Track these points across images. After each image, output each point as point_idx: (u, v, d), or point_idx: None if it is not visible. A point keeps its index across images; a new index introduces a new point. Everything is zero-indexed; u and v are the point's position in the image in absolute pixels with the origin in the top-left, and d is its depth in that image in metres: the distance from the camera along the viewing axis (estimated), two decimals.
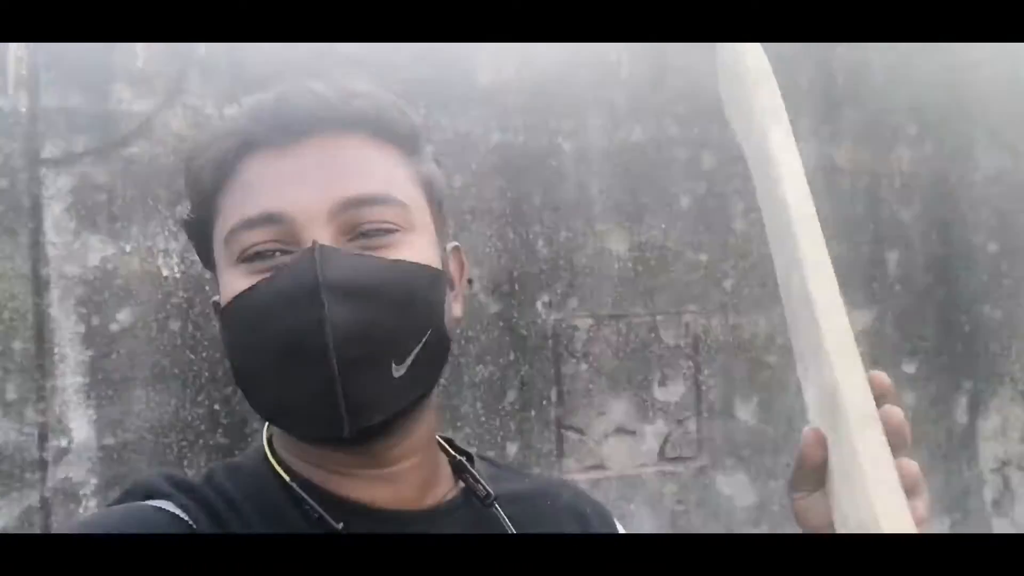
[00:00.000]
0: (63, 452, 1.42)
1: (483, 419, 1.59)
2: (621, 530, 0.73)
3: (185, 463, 1.46)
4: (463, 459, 0.66)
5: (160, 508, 0.54)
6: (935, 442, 1.91)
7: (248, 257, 0.55)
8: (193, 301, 1.44)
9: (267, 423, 0.63)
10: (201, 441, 1.46)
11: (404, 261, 0.56)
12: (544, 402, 1.64)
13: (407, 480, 0.60)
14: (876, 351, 1.84)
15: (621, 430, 1.71)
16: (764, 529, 1.78)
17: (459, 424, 1.57)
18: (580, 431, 1.68)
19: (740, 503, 1.77)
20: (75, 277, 1.41)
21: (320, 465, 0.59)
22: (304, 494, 0.57)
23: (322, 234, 0.54)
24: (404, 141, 0.59)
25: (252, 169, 0.56)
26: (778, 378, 1.78)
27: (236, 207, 0.56)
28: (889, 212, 1.83)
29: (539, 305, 1.64)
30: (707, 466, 1.75)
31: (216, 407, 1.47)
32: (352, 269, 0.53)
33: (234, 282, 0.55)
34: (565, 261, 1.66)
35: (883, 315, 1.84)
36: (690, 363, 1.73)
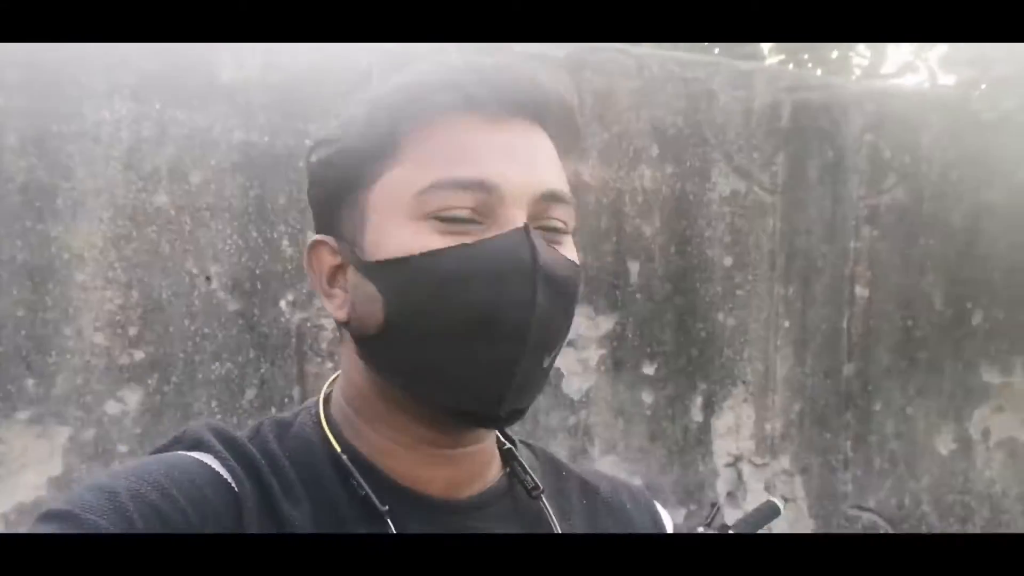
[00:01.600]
0: None
1: (219, 416, 1.60)
2: (666, 518, 0.71)
3: None
4: (511, 447, 0.65)
5: (203, 462, 0.54)
6: (672, 439, 2.07)
7: (444, 217, 0.53)
8: None
9: (328, 383, 0.62)
10: None
11: (575, 263, 0.57)
12: (286, 400, 1.67)
13: (467, 464, 0.59)
14: (618, 353, 1.99)
15: None
16: None
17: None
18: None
19: None
20: None
21: (389, 436, 0.58)
22: (353, 468, 0.56)
23: (520, 216, 0.54)
24: (569, 145, 0.61)
25: (461, 130, 0.55)
26: None
27: (441, 163, 0.54)
28: (632, 226, 1.98)
29: (283, 304, 1.66)
30: None
31: None
32: (555, 260, 0.54)
33: (418, 237, 0.53)
34: None
35: (625, 320, 1.99)
36: None
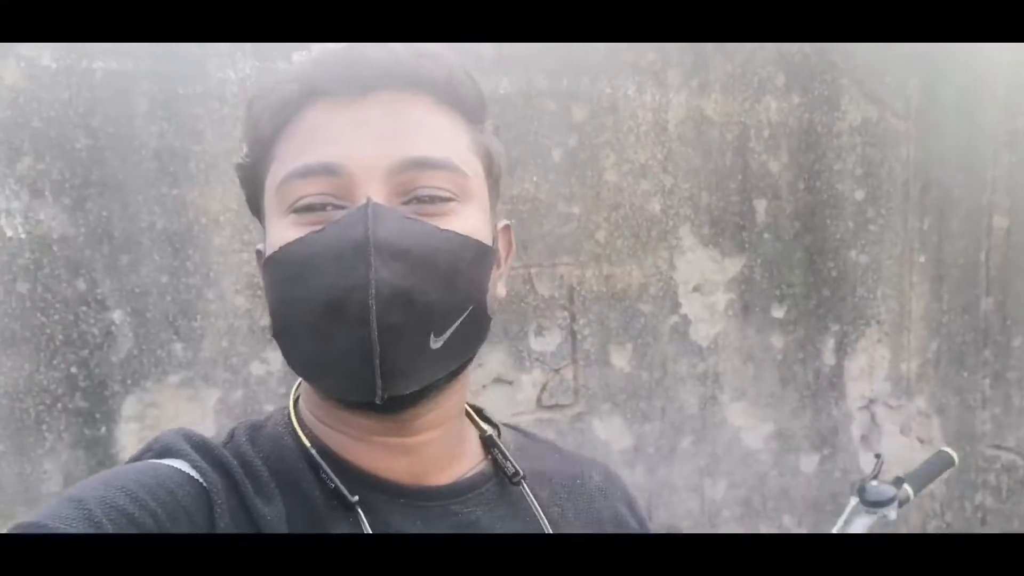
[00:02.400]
0: None
1: None
2: (645, 516, 0.72)
3: (43, 427, 1.43)
4: (492, 433, 0.65)
5: (174, 467, 0.53)
6: (804, 383, 1.99)
7: (299, 208, 0.53)
8: (41, 262, 1.40)
9: (296, 384, 0.63)
10: (59, 405, 1.43)
11: (455, 232, 0.54)
12: None
13: (427, 453, 0.59)
14: (746, 297, 1.91)
15: (499, 380, 1.74)
16: (639, 470, 1.84)
17: None
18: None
19: (617, 447, 1.83)
20: None
21: (342, 431, 0.58)
22: (322, 461, 0.56)
23: (378, 192, 0.52)
24: (469, 109, 0.58)
25: (313, 118, 0.53)
26: (651, 326, 1.83)
27: (293, 155, 0.53)
28: (757, 162, 1.87)
29: None
30: (584, 412, 1.80)
31: (73, 370, 1.44)
32: (403, 232, 0.51)
33: (282, 232, 0.53)
34: None
35: (752, 262, 1.90)
36: (565, 313, 1.76)
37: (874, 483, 1.25)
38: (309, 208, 0.53)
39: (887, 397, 2.11)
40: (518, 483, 0.62)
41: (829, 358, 2.01)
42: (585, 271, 1.76)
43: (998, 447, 2.27)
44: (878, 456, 1.32)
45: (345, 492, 0.55)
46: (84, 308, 1.43)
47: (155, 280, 1.44)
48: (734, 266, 1.89)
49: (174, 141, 1.44)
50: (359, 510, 0.55)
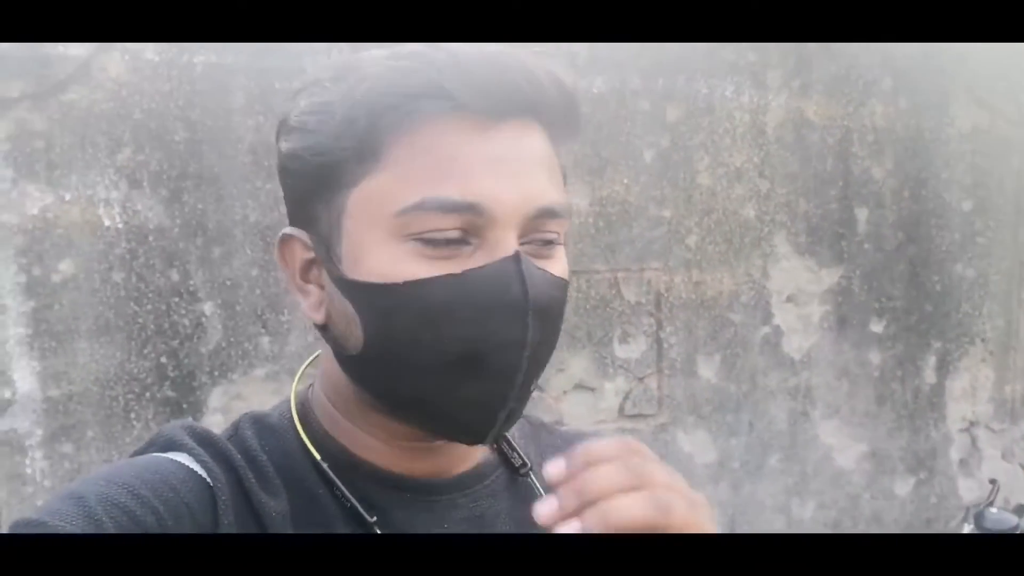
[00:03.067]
0: (7, 403, 1.41)
1: None
2: None
3: (132, 415, 1.45)
4: None
5: (177, 461, 0.53)
6: (902, 402, 1.89)
7: (430, 240, 0.50)
8: (136, 252, 1.41)
9: (300, 371, 0.61)
10: (148, 394, 1.45)
11: (564, 280, 0.54)
12: None
13: (448, 452, 0.58)
14: (843, 309, 1.82)
15: (581, 386, 1.69)
16: (724, 486, 1.77)
17: None
18: (539, 387, 1.67)
19: (700, 460, 1.76)
20: (14, 226, 1.38)
21: (367, 431, 0.57)
22: (336, 478, 0.55)
23: (509, 236, 0.51)
24: (568, 139, 0.56)
25: (447, 139, 0.50)
26: (741, 336, 1.76)
27: (427, 180, 0.50)
28: (860, 168, 1.78)
29: None
30: (667, 423, 1.74)
31: (163, 360, 1.45)
32: (544, 290, 0.51)
33: (402, 262, 0.50)
34: None
35: (851, 273, 1.81)
36: (652, 320, 1.71)
37: (993, 510, 1.15)
38: (440, 242, 0.50)
39: (990, 420, 1.98)
40: (525, 475, 0.61)
41: (929, 376, 1.90)
42: (674, 277, 1.70)
43: None
44: (993, 481, 1.22)
45: (363, 512, 0.54)
46: (176, 299, 1.43)
47: (246, 273, 1.44)
48: (831, 277, 1.80)
49: (270, 136, 1.43)
50: (376, 529, 0.54)
